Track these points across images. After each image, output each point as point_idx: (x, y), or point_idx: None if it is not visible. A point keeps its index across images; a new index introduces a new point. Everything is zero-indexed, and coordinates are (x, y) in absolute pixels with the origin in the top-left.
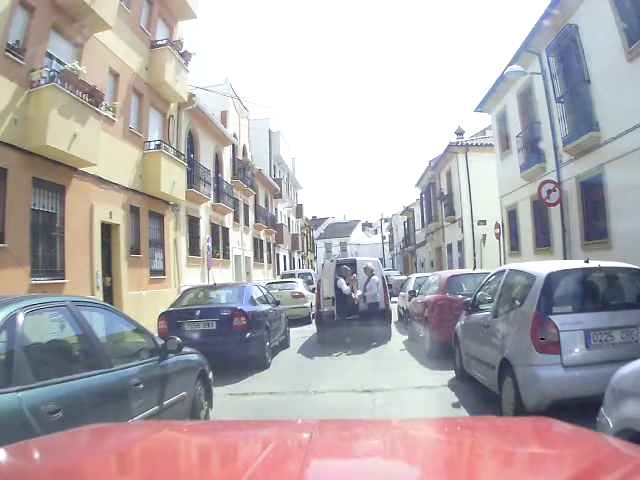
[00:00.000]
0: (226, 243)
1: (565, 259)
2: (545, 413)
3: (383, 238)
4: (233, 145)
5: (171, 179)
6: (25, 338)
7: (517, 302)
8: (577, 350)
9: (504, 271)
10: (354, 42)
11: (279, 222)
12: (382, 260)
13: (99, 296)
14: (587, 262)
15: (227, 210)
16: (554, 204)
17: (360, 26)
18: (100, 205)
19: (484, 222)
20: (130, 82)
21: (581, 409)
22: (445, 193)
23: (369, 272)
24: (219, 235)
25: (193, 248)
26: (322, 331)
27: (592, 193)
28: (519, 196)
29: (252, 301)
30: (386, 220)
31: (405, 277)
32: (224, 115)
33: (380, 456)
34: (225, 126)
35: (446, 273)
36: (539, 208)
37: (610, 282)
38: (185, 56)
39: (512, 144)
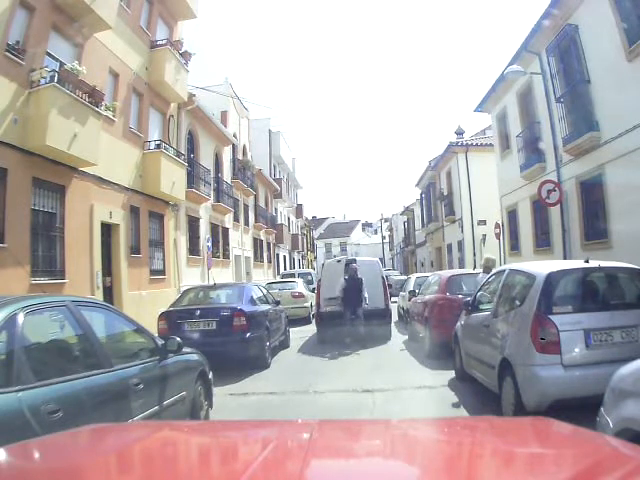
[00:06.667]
0: (226, 243)
1: (565, 259)
2: (545, 413)
3: (383, 238)
4: (233, 145)
5: (171, 179)
6: (25, 338)
7: (517, 302)
8: (577, 350)
9: (504, 271)
10: (354, 42)
11: (279, 222)
12: (382, 260)
13: (99, 296)
14: (587, 262)
15: (227, 210)
16: (554, 204)
17: (360, 26)
18: (100, 205)
19: (484, 222)
20: (130, 82)
21: (581, 409)
22: (445, 193)
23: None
24: (219, 235)
25: (193, 248)
26: (322, 331)
27: (592, 193)
28: (519, 196)
29: (252, 301)
30: (386, 220)
31: (405, 277)
32: (224, 115)
33: (380, 456)
34: (225, 126)
35: (446, 273)
36: (539, 208)
37: (610, 282)
38: (185, 56)
39: (512, 144)
